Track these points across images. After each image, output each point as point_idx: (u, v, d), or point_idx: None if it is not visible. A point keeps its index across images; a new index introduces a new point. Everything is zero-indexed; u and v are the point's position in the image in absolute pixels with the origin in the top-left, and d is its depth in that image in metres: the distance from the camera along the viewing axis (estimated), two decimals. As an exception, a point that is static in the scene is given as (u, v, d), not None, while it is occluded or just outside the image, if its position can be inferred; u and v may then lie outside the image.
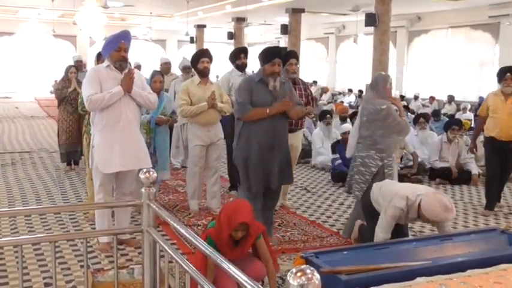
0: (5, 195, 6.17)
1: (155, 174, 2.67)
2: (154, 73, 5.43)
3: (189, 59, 5.93)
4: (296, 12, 17.27)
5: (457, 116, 12.17)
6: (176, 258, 2.30)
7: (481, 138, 6.68)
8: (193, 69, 6.34)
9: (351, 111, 10.65)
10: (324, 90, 20.78)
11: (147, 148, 4.60)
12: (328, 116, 8.36)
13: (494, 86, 5.99)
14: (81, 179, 6.85)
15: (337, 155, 7.30)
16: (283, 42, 23.65)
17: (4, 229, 4.86)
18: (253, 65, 8.55)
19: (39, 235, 4.50)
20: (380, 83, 4.61)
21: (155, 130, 5.23)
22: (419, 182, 7.27)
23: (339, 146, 7.38)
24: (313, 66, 24.04)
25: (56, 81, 12.00)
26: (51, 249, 2.48)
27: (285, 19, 18.13)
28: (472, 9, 15.84)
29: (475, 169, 7.43)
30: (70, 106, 7.23)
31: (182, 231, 2.30)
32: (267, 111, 4.28)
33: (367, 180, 4.48)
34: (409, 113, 10.99)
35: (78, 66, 8.11)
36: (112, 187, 4.41)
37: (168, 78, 7.75)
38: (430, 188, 4.03)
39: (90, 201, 5.15)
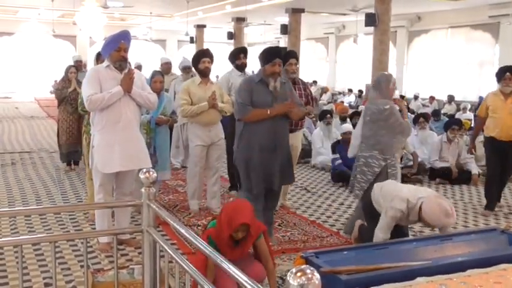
0: (5, 195, 6.17)
1: (155, 174, 2.67)
2: (155, 73, 5.43)
3: (189, 59, 5.93)
4: (296, 12, 17.27)
5: (457, 116, 12.17)
6: (176, 258, 2.30)
7: (480, 138, 6.68)
8: (193, 69, 6.35)
9: (351, 111, 10.66)
10: (324, 90, 20.78)
11: (148, 148, 4.60)
12: (328, 116, 8.36)
13: (494, 86, 5.97)
14: (81, 179, 6.85)
15: (337, 155, 7.30)
16: (283, 42, 23.65)
17: (4, 229, 4.86)
18: (253, 65, 8.57)
19: (39, 235, 4.51)
20: (383, 83, 4.62)
21: (155, 130, 5.23)
22: (419, 182, 7.29)
23: (339, 146, 7.39)
24: (313, 66, 24.04)
25: (55, 81, 11.99)
26: (51, 249, 2.48)
27: (285, 19, 18.13)
28: (472, 9, 15.84)
29: (475, 169, 7.43)
30: (70, 106, 7.23)
31: (182, 231, 2.30)
32: (268, 112, 4.26)
33: (369, 180, 4.49)
34: (409, 113, 10.98)
35: (78, 66, 8.12)
36: (112, 187, 4.40)
37: (169, 78, 7.75)
38: (431, 190, 4.01)
39: (90, 201, 5.15)
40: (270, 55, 4.33)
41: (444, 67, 17.91)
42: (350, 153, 4.92)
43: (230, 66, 6.06)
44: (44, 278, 3.78)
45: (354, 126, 8.06)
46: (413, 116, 9.53)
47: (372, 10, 13.39)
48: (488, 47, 16.35)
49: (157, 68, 7.97)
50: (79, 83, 6.90)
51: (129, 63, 4.46)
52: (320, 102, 17.03)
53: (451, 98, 15.80)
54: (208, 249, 2.05)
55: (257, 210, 3.96)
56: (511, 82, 5.62)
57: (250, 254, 3.40)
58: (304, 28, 18.81)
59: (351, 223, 4.75)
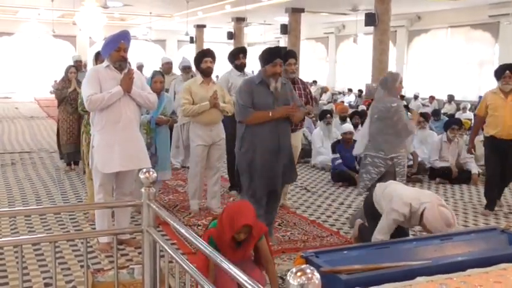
0: (5, 195, 6.17)
1: (155, 174, 2.66)
2: (155, 73, 5.42)
3: (189, 59, 5.93)
4: (296, 12, 17.29)
5: (457, 116, 12.17)
6: (176, 258, 2.30)
7: (480, 137, 6.67)
8: (193, 69, 6.35)
9: (350, 111, 10.66)
10: (324, 90, 20.79)
11: (148, 148, 4.60)
12: (328, 115, 8.36)
13: (494, 85, 5.95)
14: (81, 179, 6.85)
15: (337, 155, 7.30)
16: (283, 42, 23.65)
17: (4, 229, 4.86)
18: (252, 65, 8.57)
19: (39, 235, 4.51)
20: (390, 82, 4.64)
21: (155, 130, 5.23)
22: (419, 181, 7.30)
23: (339, 146, 7.39)
24: (313, 66, 24.05)
25: (55, 81, 12.00)
26: (51, 249, 2.48)
27: (285, 19, 18.15)
28: (471, 9, 15.85)
29: (475, 168, 7.43)
30: (70, 106, 7.22)
31: (182, 231, 2.30)
32: (270, 114, 4.22)
33: (373, 179, 4.51)
34: (409, 113, 10.98)
35: (78, 66, 8.12)
36: (112, 187, 4.40)
37: (169, 78, 7.75)
38: (435, 195, 3.94)
39: (90, 201, 5.15)
40: (270, 55, 4.29)
41: (444, 67, 17.91)
42: (356, 151, 4.93)
43: (230, 66, 6.07)
44: (44, 278, 3.78)
45: (354, 126, 8.10)
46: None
47: (371, 10, 13.40)
48: (488, 46, 16.36)
49: (157, 68, 7.97)
50: (79, 83, 6.90)
51: (129, 63, 4.46)
52: (320, 102, 17.03)
53: (451, 98, 15.80)
54: (208, 249, 2.05)
55: (259, 216, 3.93)
56: (511, 80, 5.60)
57: (251, 259, 3.38)
58: (304, 28, 18.82)
59: (356, 218, 4.77)
